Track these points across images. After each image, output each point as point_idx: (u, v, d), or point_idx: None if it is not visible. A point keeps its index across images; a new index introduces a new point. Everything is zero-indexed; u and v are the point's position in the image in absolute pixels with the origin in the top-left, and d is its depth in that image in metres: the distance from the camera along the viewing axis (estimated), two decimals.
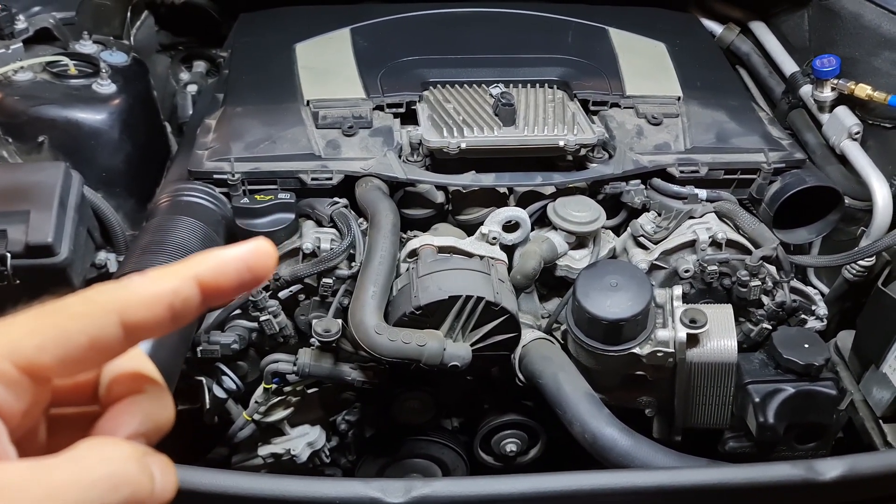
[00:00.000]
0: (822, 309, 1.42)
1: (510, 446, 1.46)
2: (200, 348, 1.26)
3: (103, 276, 1.42)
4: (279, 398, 1.35)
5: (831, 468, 0.90)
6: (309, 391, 1.38)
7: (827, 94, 1.59)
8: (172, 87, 1.94)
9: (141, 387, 0.40)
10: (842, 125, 1.56)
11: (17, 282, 1.20)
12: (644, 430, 1.20)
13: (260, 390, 1.34)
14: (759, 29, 1.89)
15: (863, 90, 1.51)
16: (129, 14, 1.75)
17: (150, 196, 1.50)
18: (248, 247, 0.40)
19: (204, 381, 1.31)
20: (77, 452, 0.35)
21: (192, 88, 1.92)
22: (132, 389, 0.40)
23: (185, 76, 1.96)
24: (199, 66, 1.98)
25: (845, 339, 1.58)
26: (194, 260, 0.39)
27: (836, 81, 1.57)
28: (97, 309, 0.36)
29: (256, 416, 1.36)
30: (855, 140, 1.55)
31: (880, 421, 1.42)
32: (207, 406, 1.31)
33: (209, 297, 0.39)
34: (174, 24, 1.96)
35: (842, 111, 1.58)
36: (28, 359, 0.35)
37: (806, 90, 1.66)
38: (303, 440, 1.41)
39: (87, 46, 1.57)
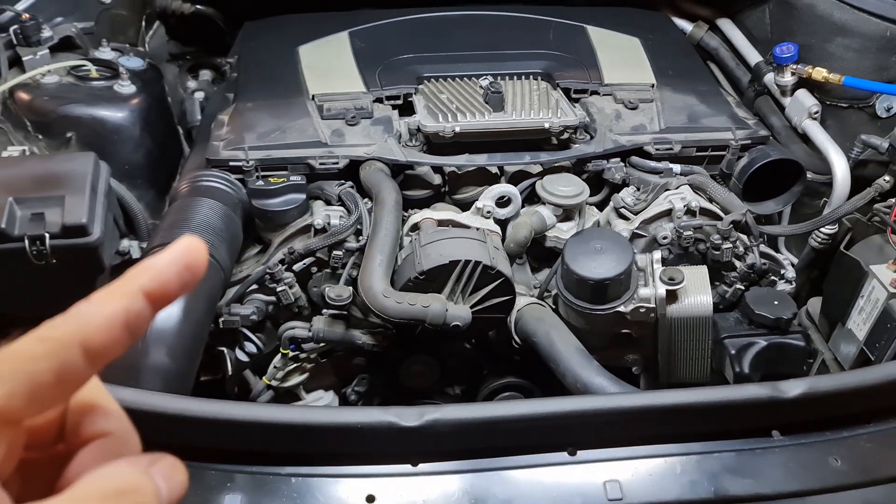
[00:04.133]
0: (790, 272, 1.54)
1: None
2: (222, 319, 1.36)
3: (127, 262, 1.52)
4: (295, 364, 1.45)
5: (794, 387, 1.01)
6: (322, 360, 1.48)
7: (787, 78, 1.73)
8: (180, 94, 2.06)
9: (106, 426, 0.41)
10: (802, 106, 1.70)
11: (54, 261, 1.31)
12: None
13: (278, 357, 1.45)
14: (726, 25, 2.04)
15: (819, 73, 1.65)
16: (143, 24, 1.88)
17: (167, 189, 1.62)
18: (180, 247, 0.40)
19: (225, 351, 1.42)
20: (79, 486, 0.36)
21: (200, 95, 2.03)
22: (99, 431, 0.41)
23: (192, 84, 2.08)
24: (205, 74, 2.10)
25: (815, 304, 1.71)
26: (134, 273, 0.39)
27: (795, 67, 1.71)
28: (58, 345, 0.36)
29: (274, 382, 1.46)
30: (815, 119, 1.70)
31: None
32: (230, 373, 1.41)
33: (158, 305, 0.39)
34: (183, 34, 2.09)
35: (801, 93, 1.72)
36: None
37: (770, 78, 1.81)
38: (318, 405, 1.51)
39: (106, 53, 1.70)
